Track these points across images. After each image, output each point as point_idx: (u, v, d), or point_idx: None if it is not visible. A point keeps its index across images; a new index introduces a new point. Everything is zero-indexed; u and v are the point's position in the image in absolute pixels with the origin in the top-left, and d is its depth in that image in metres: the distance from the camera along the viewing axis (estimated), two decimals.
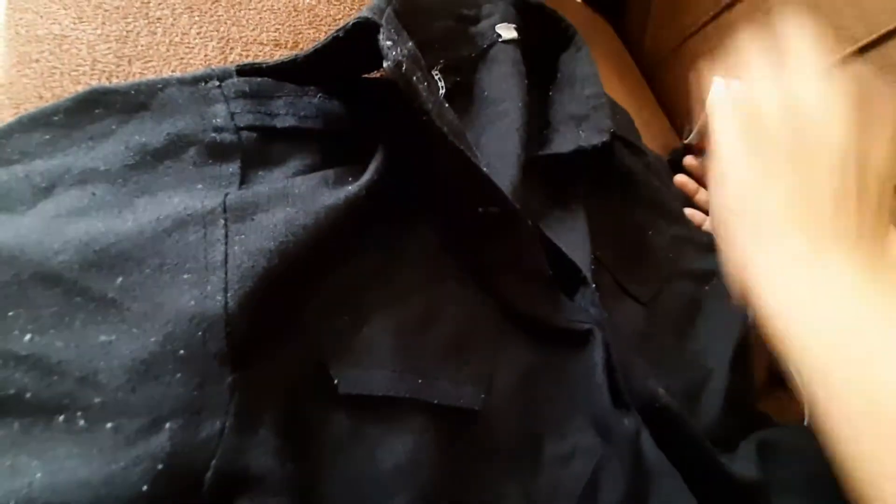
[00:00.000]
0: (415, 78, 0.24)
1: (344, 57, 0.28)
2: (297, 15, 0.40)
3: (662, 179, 0.48)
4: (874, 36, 0.52)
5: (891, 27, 0.51)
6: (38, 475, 0.17)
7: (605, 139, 0.35)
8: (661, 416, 0.30)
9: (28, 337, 0.19)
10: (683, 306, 0.40)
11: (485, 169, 0.26)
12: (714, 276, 0.42)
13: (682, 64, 0.69)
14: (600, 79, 0.39)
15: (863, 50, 0.53)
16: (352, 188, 0.25)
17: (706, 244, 0.44)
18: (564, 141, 0.36)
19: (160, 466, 0.17)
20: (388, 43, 0.24)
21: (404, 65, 0.24)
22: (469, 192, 0.28)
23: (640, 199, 0.43)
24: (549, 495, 0.26)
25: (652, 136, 0.59)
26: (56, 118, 0.24)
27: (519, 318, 0.29)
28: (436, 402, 0.23)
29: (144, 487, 0.17)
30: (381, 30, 0.24)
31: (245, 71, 0.28)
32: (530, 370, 0.28)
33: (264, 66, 0.28)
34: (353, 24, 0.25)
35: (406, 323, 0.25)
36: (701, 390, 0.37)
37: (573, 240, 0.33)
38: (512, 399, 0.26)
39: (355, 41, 0.25)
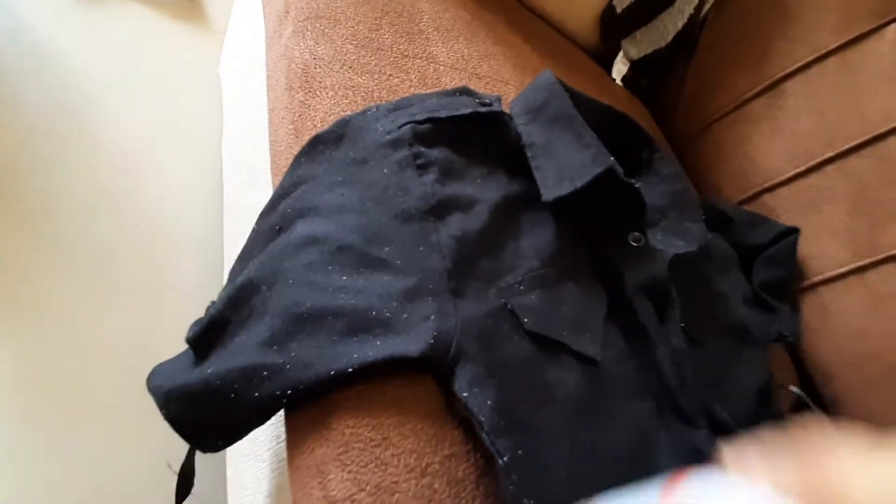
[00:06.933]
0: None
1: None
2: None
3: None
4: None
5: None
6: (378, 343, 0.30)
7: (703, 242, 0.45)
8: (715, 427, 0.37)
9: (344, 278, 0.32)
10: (726, 352, 0.47)
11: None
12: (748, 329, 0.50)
13: (707, 144, 0.81)
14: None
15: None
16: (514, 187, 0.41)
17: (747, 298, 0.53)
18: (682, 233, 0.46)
19: (432, 339, 0.31)
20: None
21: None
22: (623, 218, 0.41)
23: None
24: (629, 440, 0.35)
25: None
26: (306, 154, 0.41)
27: (618, 315, 0.39)
28: (574, 348, 0.36)
29: (431, 341, 0.31)
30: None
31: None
32: (622, 351, 0.38)
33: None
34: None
35: (555, 295, 0.38)
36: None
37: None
38: (614, 361, 0.37)
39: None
